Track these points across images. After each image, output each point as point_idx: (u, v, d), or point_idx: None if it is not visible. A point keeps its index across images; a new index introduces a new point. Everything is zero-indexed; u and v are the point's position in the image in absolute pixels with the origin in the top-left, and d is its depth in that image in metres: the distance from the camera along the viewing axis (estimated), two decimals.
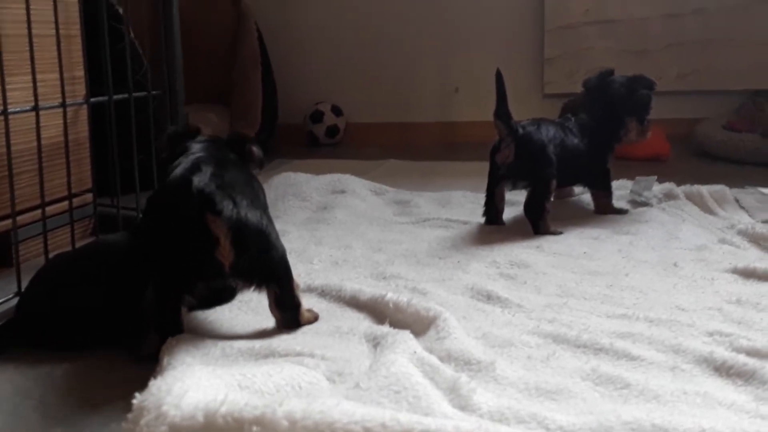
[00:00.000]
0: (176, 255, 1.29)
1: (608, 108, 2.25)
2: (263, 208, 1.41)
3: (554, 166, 2.09)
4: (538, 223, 2.05)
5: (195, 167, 1.31)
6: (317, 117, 4.15)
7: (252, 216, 1.32)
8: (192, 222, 1.26)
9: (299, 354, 1.22)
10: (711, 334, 1.32)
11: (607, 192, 2.28)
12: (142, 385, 1.03)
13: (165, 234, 1.30)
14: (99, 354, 1.35)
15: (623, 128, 2.27)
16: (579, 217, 2.25)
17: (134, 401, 0.98)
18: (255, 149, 1.53)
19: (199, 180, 1.27)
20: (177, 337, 1.30)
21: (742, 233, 1.97)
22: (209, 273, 1.30)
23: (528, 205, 2.07)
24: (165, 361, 1.22)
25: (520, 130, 2.08)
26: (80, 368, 1.31)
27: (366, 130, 4.28)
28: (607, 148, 2.27)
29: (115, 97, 1.84)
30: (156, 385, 1.00)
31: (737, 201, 2.38)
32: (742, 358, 1.18)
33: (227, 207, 1.27)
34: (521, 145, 2.06)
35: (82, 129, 2.09)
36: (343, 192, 2.48)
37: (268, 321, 1.42)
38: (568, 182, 2.28)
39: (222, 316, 1.47)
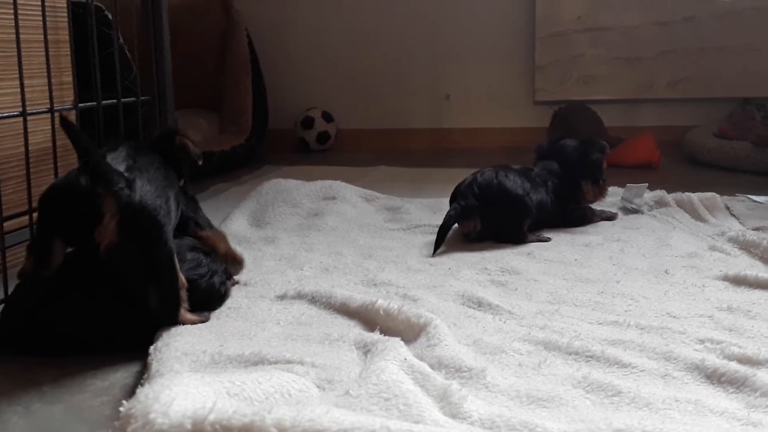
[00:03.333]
0: (59, 212, 1.30)
1: (562, 171, 2.24)
2: (167, 201, 1.39)
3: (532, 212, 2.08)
4: (522, 241, 2.06)
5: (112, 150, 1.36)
6: (308, 123, 4.15)
7: (149, 205, 1.31)
8: (83, 190, 1.26)
9: (289, 361, 1.22)
10: (702, 342, 1.32)
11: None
12: (129, 393, 1.02)
13: (58, 193, 1.32)
14: (85, 361, 1.34)
15: (579, 191, 2.26)
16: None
17: (121, 409, 0.98)
18: (187, 141, 1.54)
19: (111, 158, 1.30)
20: (166, 343, 1.29)
21: (733, 240, 1.97)
22: (83, 246, 1.31)
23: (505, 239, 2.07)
24: (153, 368, 1.22)
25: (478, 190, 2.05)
26: (67, 375, 1.29)
27: (357, 136, 4.28)
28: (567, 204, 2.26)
29: (104, 102, 1.83)
30: (143, 392, 0.99)
31: (728, 208, 2.38)
32: (733, 366, 1.18)
33: (122, 187, 1.27)
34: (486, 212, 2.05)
35: None
36: (333, 198, 2.47)
37: (258, 328, 1.42)
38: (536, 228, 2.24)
39: (211, 322, 1.45)
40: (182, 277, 1.39)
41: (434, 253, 1.96)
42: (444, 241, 2.00)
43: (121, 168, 1.31)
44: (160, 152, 1.58)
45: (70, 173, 1.36)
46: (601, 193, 2.32)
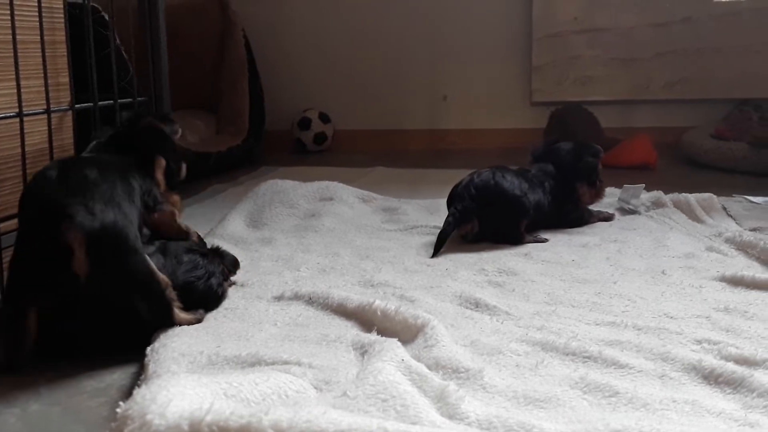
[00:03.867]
0: (29, 264, 1.28)
1: (557, 174, 2.24)
2: (120, 205, 1.36)
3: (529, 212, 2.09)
4: (520, 242, 2.06)
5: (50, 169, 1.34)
6: (305, 124, 4.15)
7: (109, 225, 1.29)
8: (45, 232, 1.25)
9: (286, 362, 1.22)
10: (699, 342, 1.32)
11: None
12: (126, 394, 1.01)
13: (24, 240, 1.30)
14: (82, 362, 1.33)
15: (575, 193, 2.26)
16: None
17: (118, 410, 0.97)
18: (151, 120, 1.54)
19: (52, 188, 1.29)
20: (163, 344, 1.29)
21: (730, 241, 1.98)
22: (63, 286, 1.27)
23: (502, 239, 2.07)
24: (150, 369, 1.22)
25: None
26: (63, 376, 1.29)
27: (354, 137, 4.28)
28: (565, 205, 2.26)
29: (101, 103, 1.83)
30: (140, 393, 0.98)
31: (725, 209, 2.39)
32: (730, 366, 1.18)
33: (81, 214, 1.25)
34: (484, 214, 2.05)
35: (67, 135, 2.06)
36: (330, 199, 2.47)
37: (255, 329, 1.41)
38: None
39: (208, 323, 1.45)
40: (164, 277, 1.37)
41: (434, 255, 1.96)
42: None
43: (63, 195, 1.29)
44: (129, 143, 1.57)
45: (29, 225, 1.34)
46: (598, 195, 2.32)
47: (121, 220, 1.32)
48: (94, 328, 1.34)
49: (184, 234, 1.65)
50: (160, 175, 1.63)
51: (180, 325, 1.38)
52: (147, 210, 1.52)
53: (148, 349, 1.29)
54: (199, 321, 1.44)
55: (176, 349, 1.27)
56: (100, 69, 1.84)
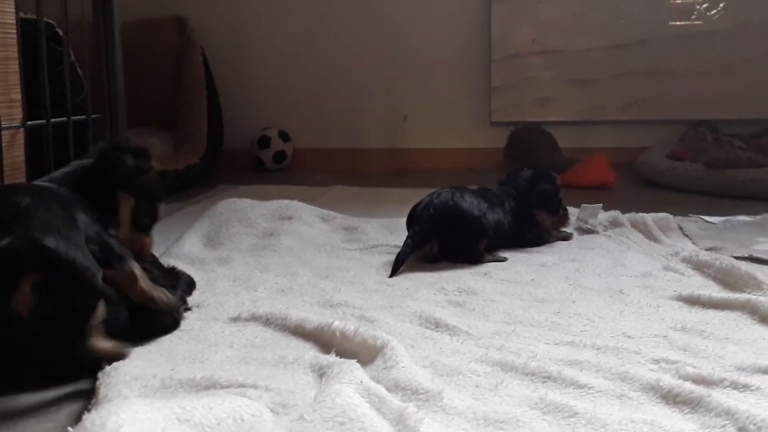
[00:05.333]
0: None
1: (518, 199, 2.25)
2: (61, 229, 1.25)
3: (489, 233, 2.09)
4: (479, 262, 2.06)
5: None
6: (264, 142, 4.12)
7: (54, 245, 1.19)
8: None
9: (242, 385, 1.19)
10: (657, 362, 1.32)
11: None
12: (75, 419, 0.98)
13: None
14: (30, 385, 1.29)
15: (534, 219, 2.27)
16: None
17: None
18: (119, 155, 1.45)
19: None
20: (114, 367, 1.25)
21: (686, 261, 1.99)
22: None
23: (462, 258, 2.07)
24: (101, 393, 1.18)
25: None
26: (10, 400, 1.25)
27: (314, 155, 4.26)
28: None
29: (54, 120, 1.79)
30: (90, 419, 0.96)
31: (681, 229, 2.41)
32: (688, 386, 1.18)
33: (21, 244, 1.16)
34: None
35: (18, 153, 2.02)
36: (290, 218, 2.45)
37: (211, 350, 1.39)
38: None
39: (162, 345, 1.42)
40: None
41: (392, 275, 1.95)
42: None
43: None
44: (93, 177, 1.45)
45: None
46: (561, 223, 2.33)
47: (65, 246, 1.22)
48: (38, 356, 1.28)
49: (148, 300, 1.43)
50: (125, 216, 1.47)
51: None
52: (98, 262, 1.32)
53: (100, 372, 1.26)
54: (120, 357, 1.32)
55: (128, 372, 1.24)
56: (53, 86, 1.81)
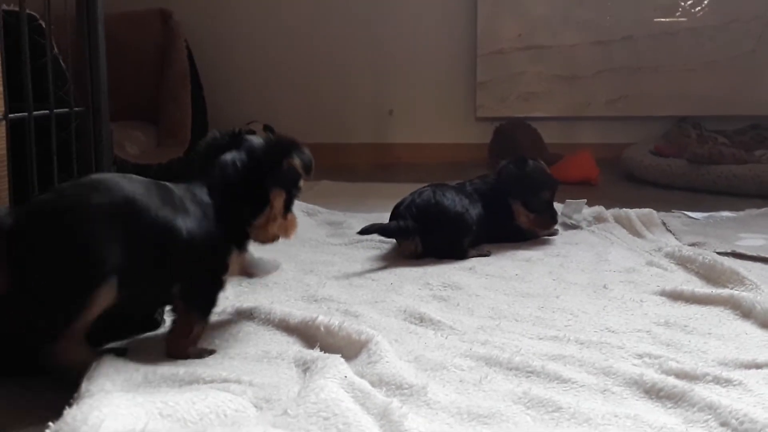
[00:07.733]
0: None
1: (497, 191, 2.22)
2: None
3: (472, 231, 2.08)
4: (464, 258, 2.05)
5: None
6: None
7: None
8: None
9: (225, 380, 1.18)
10: (641, 356, 1.33)
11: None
12: (56, 413, 0.98)
13: None
14: (9, 378, 1.28)
15: (511, 211, 2.22)
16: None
17: (47, 431, 0.93)
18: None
19: None
20: (97, 361, 1.24)
21: (669, 256, 2.00)
22: None
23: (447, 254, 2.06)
24: (82, 387, 1.16)
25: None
26: None
27: None
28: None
29: (36, 113, 1.77)
30: (71, 413, 0.95)
31: (664, 224, 2.42)
32: (671, 381, 1.18)
33: None
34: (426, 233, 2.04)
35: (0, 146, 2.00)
36: None
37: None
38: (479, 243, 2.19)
39: (145, 340, 1.41)
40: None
41: (361, 231, 1.99)
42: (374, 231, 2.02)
43: None
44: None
45: None
46: (540, 224, 2.26)
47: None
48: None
49: None
50: (278, 209, 1.57)
51: None
52: None
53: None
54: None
55: (111, 365, 1.23)
56: (36, 78, 1.78)
